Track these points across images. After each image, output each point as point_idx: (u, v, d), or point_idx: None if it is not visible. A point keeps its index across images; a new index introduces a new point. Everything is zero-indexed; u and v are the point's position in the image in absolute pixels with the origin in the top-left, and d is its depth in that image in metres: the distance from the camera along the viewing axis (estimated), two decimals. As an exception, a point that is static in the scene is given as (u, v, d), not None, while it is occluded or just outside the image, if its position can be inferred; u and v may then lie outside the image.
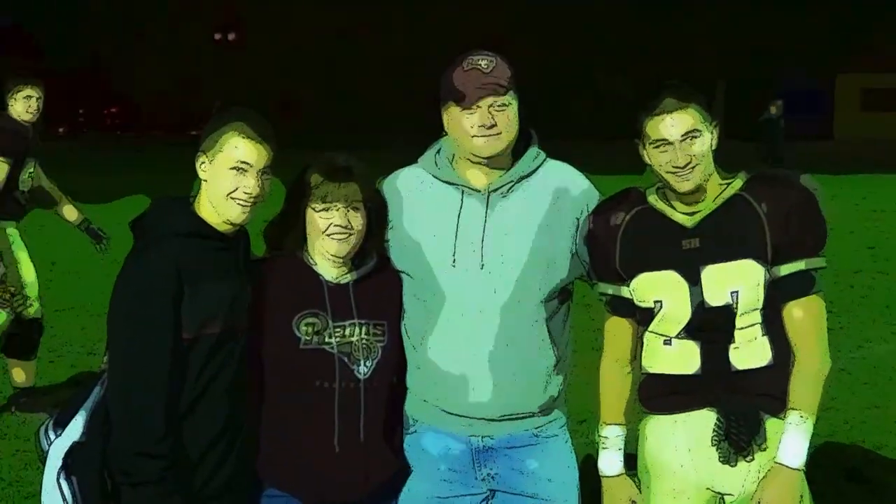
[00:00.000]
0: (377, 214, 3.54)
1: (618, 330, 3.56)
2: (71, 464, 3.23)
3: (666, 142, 3.26)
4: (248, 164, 3.27)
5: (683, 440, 3.41)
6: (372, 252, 3.56)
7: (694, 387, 3.36)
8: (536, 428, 3.57)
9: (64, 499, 3.20)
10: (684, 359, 3.36)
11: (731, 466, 3.34)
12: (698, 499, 3.44)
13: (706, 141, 3.28)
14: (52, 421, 3.35)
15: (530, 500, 3.57)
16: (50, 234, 17.34)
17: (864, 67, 53.85)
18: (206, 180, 3.32)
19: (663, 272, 3.36)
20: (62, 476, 3.23)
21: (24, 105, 7.76)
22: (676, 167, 3.26)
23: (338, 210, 3.43)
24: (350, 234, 3.45)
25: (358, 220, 3.46)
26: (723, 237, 3.31)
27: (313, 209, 3.46)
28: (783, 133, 29.07)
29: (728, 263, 3.29)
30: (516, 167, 3.54)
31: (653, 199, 3.43)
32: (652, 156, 3.32)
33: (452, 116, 3.47)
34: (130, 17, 57.42)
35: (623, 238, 3.42)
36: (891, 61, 52.43)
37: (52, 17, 58.03)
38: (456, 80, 3.42)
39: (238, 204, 3.28)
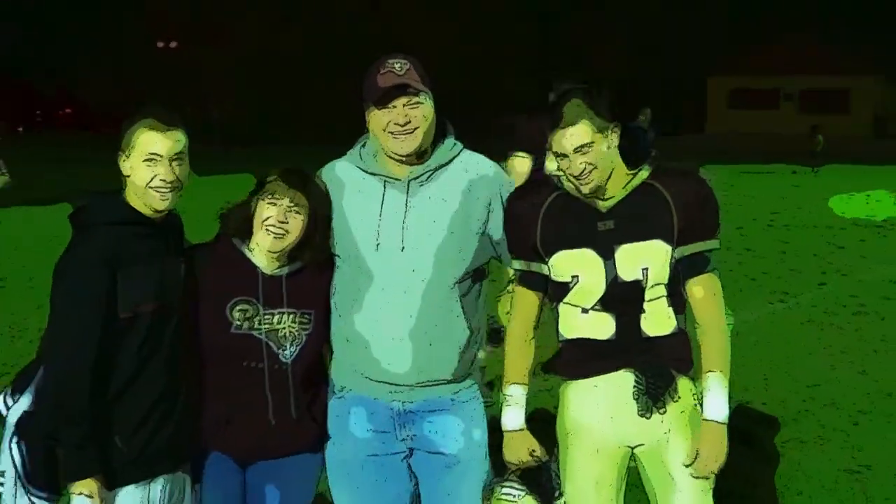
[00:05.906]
0: (320, 227, 3.48)
1: (526, 300, 3.54)
2: (19, 430, 3.23)
3: (565, 154, 3.28)
4: (158, 154, 3.25)
5: (603, 401, 3.41)
6: (306, 256, 3.50)
7: (610, 351, 3.37)
8: (453, 393, 3.55)
9: (14, 463, 3.20)
10: (600, 326, 3.37)
11: (647, 419, 3.36)
12: (616, 455, 3.44)
13: (601, 148, 3.27)
14: (11, 387, 3.33)
15: (445, 458, 3.56)
16: (10, 216, 16.95)
17: (732, 70, 54.81)
18: (127, 175, 3.30)
19: (581, 250, 3.36)
20: (13, 441, 3.23)
21: None
22: (573, 175, 3.29)
23: (280, 207, 3.41)
24: (285, 234, 3.41)
25: (296, 224, 3.43)
26: (635, 219, 3.33)
27: (261, 199, 3.43)
28: (651, 143, 22.01)
29: (640, 243, 3.32)
30: (434, 157, 3.52)
31: (568, 187, 3.41)
32: (559, 162, 3.32)
33: (373, 116, 3.45)
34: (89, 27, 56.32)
35: (544, 219, 3.41)
36: (754, 65, 53.43)
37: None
38: (374, 83, 3.41)
39: (157, 192, 3.26)
